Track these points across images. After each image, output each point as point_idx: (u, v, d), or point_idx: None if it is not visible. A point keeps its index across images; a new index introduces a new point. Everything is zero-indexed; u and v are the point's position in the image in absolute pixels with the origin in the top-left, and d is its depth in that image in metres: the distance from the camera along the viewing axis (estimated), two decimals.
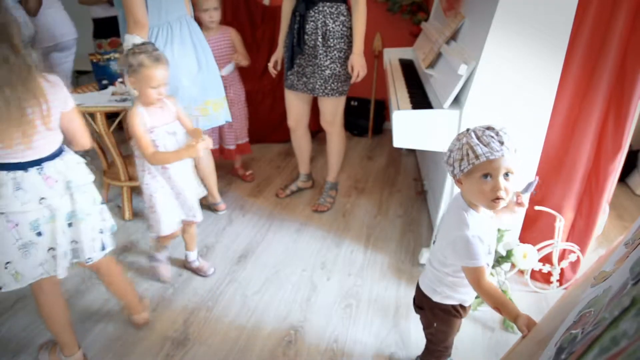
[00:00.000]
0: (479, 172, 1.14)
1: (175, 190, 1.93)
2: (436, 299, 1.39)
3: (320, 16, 2.33)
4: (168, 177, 1.89)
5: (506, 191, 1.14)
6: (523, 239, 2.05)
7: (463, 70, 1.78)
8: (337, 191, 2.91)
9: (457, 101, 1.90)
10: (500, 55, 1.75)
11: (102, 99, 2.48)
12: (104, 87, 2.67)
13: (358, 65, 2.36)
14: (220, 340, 1.83)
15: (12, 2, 2.47)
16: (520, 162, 1.90)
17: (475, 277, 1.21)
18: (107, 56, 2.78)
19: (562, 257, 2.04)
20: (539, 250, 1.97)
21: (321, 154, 3.49)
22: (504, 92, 1.79)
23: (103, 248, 1.59)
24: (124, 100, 2.45)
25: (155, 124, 1.79)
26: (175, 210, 1.96)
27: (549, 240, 1.99)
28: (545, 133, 1.87)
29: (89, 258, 1.54)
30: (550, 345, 0.76)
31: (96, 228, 1.55)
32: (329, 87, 2.45)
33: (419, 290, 1.46)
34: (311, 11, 2.34)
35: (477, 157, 1.12)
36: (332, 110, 2.57)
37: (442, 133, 1.90)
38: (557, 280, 2.06)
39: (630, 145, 2.36)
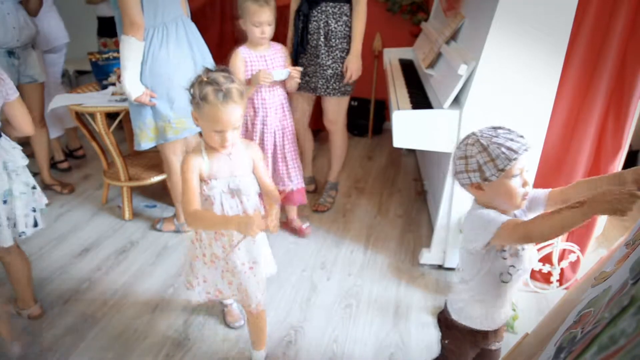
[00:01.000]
0: (513, 171, 1.06)
1: (229, 265, 1.51)
2: (454, 315, 1.31)
3: (323, 16, 2.34)
4: (222, 244, 1.49)
5: (531, 186, 1.11)
6: None
7: (463, 70, 1.78)
8: (337, 191, 2.91)
9: (457, 101, 1.90)
10: (500, 55, 1.75)
11: (102, 99, 2.48)
12: (104, 87, 2.67)
13: (353, 66, 2.36)
14: (220, 340, 1.83)
15: (13, 3, 2.46)
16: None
17: (509, 230, 1.04)
18: (105, 55, 2.79)
19: (562, 257, 2.04)
20: (539, 250, 1.97)
21: (321, 153, 3.49)
22: (504, 92, 1.79)
23: (36, 225, 1.71)
24: (124, 100, 2.45)
25: (215, 174, 1.39)
26: (216, 283, 1.59)
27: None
28: (545, 133, 1.87)
29: (23, 232, 1.66)
30: (550, 345, 0.76)
31: (29, 206, 1.68)
32: (330, 87, 2.46)
33: (445, 305, 1.39)
34: (314, 11, 2.35)
35: (515, 151, 1.04)
36: (335, 109, 2.57)
37: (442, 133, 1.90)
38: (557, 280, 2.06)
39: (630, 145, 2.36)
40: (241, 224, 1.24)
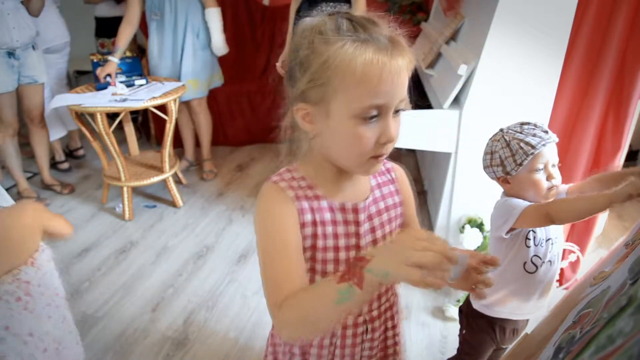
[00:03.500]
0: (535, 165, 1.13)
1: None
2: (475, 304, 1.32)
3: None
4: None
5: (558, 179, 1.15)
6: None
7: (463, 70, 1.78)
8: None
9: (457, 101, 1.90)
10: (500, 55, 1.75)
11: (102, 99, 2.48)
12: (104, 87, 2.67)
13: None
14: (220, 340, 1.83)
15: (14, 2, 2.46)
16: None
17: (532, 210, 1.10)
18: (107, 56, 2.79)
19: (562, 257, 2.04)
20: None
21: None
22: (504, 92, 1.79)
23: None
24: (124, 100, 2.46)
25: None
26: None
27: None
28: None
29: None
30: (549, 345, 0.76)
31: None
32: None
33: (468, 296, 1.41)
34: (314, 11, 2.36)
35: (533, 147, 1.12)
36: None
37: (442, 133, 1.90)
38: (557, 280, 2.06)
39: (630, 145, 2.36)
40: None
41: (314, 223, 0.76)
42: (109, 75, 2.65)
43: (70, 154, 3.48)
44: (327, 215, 0.78)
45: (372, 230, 0.82)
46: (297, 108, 0.73)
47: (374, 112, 0.69)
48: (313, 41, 0.71)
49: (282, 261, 0.72)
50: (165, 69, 2.89)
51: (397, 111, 0.73)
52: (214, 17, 2.75)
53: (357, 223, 0.80)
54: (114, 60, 2.68)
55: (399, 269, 0.57)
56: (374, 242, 0.83)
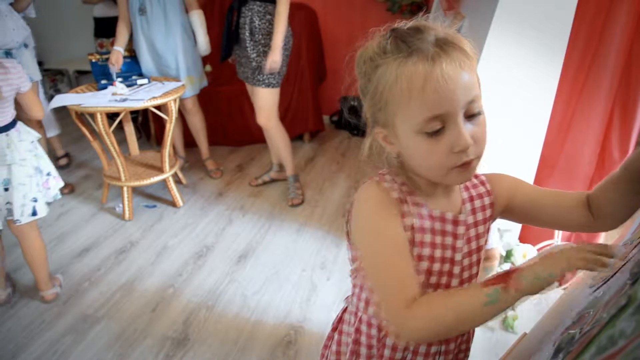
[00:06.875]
0: None
1: None
2: None
3: (249, 13, 2.47)
4: None
5: None
6: (523, 238, 2.05)
7: None
8: (300, 182, 2.95)
9: None
10: (500, 55, 1.75)
11: (102, 99, 2.48)
12: (104, 87, 2.67)
13: (269, 58, 2.45)
14: (220, 340, 1.83)
15: (4, 5, 2.46)
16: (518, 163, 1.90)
17: None
18: (105, 56, 2.79)
19: None
20: (538, 250, 1.97)
21: (320, 153, 3.49)
22: (503, 92, 1.79)
23: (34, 214, 1.84)
24: (124, 100, 2.45)
25: None
26: None
27: (548, 240, 1.99)
28: (544, 133, 1.86)
29: (17, 220, 1.80)
30: (548, 345, 0.76)
31: (28, 196, 1.80)
32: (256, 78, 2.57)
33: None
34: (243, 8, 2.50)
35: None
36: (264, 103, 2.62)
37: None
38: (557, 280, 2.05)
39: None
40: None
41: (412, 228, 0.74)
42: (114, 65, 2.72)
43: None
44: (427, 223, 0.75)
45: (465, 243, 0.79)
46: (377, 132, 0.75)
47: (437, 125, 0.66)
48: (366, 70, 0.71)
49: (400, 262, 0.71)
50: (156, 65, 2.88)
51: (472, 115, 0.67)
52: (198, 19, 2.82)
53: (455, 235, 0.77)
54: (119, 49, 2.75)
55: (557, 269, 0.64)
56: (464, 256, 0.80)
